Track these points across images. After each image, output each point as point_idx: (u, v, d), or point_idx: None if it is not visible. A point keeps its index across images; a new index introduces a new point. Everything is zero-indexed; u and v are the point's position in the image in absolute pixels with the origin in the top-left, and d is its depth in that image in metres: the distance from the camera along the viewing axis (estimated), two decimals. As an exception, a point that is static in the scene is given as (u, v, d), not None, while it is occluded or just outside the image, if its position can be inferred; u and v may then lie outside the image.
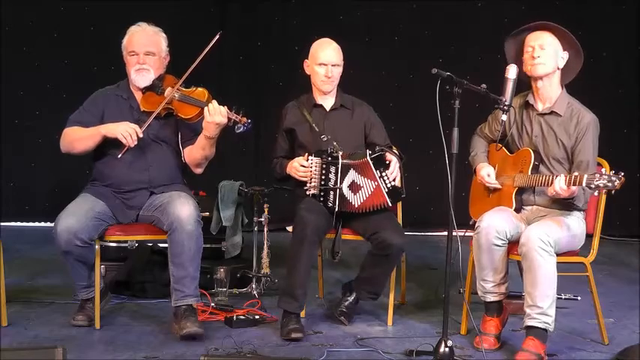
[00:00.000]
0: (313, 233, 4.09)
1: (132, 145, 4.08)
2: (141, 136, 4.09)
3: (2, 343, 3.80)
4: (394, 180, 4.19)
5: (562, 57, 3.99)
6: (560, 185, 3.71)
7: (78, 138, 4.19)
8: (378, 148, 4.21)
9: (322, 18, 7.10)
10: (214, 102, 4.09)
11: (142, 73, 4.22)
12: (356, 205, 4.21)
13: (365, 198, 4.20)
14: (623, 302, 4.87)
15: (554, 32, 3.97)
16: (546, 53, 3.94)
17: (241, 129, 4.11)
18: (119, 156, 4.10)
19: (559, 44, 3.97)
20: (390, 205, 4.20)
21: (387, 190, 4.17)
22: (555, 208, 3.98)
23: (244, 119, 4.10)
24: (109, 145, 4.20)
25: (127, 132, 4.06)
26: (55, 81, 7.17)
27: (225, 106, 4.08)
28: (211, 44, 4.15)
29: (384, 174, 4.17)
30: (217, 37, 4.14)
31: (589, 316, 4.35)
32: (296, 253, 4.10)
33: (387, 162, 4.17)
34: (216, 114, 4.05)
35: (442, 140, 3.57)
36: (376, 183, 4.17)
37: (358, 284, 4.37)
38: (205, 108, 4.07)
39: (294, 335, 4.03)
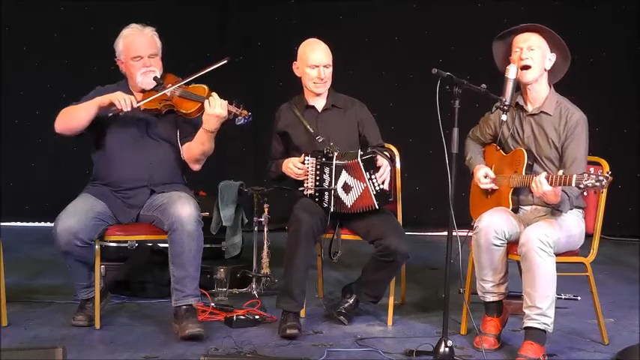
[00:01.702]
0: (308, 232, 4.09)
1: (124, 109, 4.03)
2: (135, 106, 4.07)
3: (2, 343, 3.80)
4: (383, 183, 4.18)
5: (549, 58, 3.98)
6: (540, 179, 3.68)
7: (73, 111, 4.15)
8: (370, 149, 4.21)
9: (322, 18, 7.11)
10: (215, 94, 4.10)
11: (148, 75, 4.22)
12: (348, 206, 4.21)
13: (355, 199, 4.19)
14: (623, 302, 4.86)
15: (541, 34, 3.97)
16: (534, 55, 3.94)
17: (241, 121, 4.12)
18: (109, 115, 4.08)
19: (547, 46, 3.97)
20: (376, 208, 4.19)
21: (374, 192, 4.16)
22: (542, 205, 3.98)
23: (245, 112, 4.11)
24: (110, 142, 4.21)
25: (122, 97, 4.05)
26: (55, 81, 7.16)
27: (226, 100, 4.09)
28: (216, 66, 4.15)
29: (373, 176, 4.16)
30: (224, 61, 4.15)
31: (589, 316, 4.35)
32: (292, 253, 4.10)
33: (378, 165, 4.17)
34: (217, 106, 4.06)
35: (442, 140, 3.57)
36: (365, 185, 4.16)
37: (359, 287, 4.38)
38: (206, 100, 4.08)
39: (289, 332, 4.04)
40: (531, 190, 3.79)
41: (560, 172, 3.68)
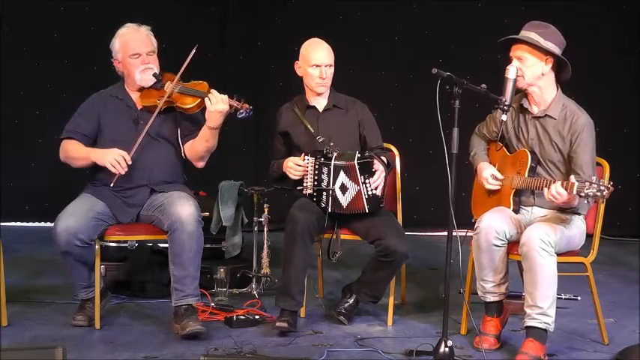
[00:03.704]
0: (304, 231, 4.09)
1: (122, 173, 4.06)
2: (129, 163, 4.06)
3: (2, 343, 3.80)
4: (375, 189, 4.18)
5: (546, 61, 3.95)
6: (557, 190, 3.69)
7: (72, 157, 4.21)
8: (368, 153, 4.20)
9: (322, 18, 7.10)
10: (215, 91, 4.11)
11: (147, 73, 4.23)
12: (344, 207, 4.21)
13: (349, 200, 4.19)
14: (623, 302, 4.86)
15: (530, 45, 3.93)
16: (525, 65, 3.92)
17: (243, 114, 4.15)
18: (111, 185, 4.09)
19: (538, 54, 3.92)
20: (367, 212, 4.19)
21: (366, 196, 4.16)
22: (555, 209, 3.98)
23: (246, 105, 4.14)
24: (109, 142, 4.20)
25: (114, 160, 4.04)
26: (55, 81, 7.17)
27: (226, 95, 4.11)
28: (190, 56, 4.16)
29: (367, 181, 4.16)
30: (194, 50, 4.15)
31: (589, 316, 4.35)
32: (289, 252, 4.11)
33: (374, 170, 4.16)
34: (219, 102, 4.08)
35: (442, 140, 3.57)
36: (358, 187, 4.16)
37: (359, 287, 4.38)
38: (207, 98, 4.09)
39: (278, 324, 4.06)
40: (549, 201, 3.76)
41: (573, 179, 3.67)
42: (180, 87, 4.20)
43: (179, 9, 7.13)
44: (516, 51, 3.95)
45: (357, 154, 4.18)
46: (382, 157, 4.26)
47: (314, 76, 4.35)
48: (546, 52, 3.94)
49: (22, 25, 7.15)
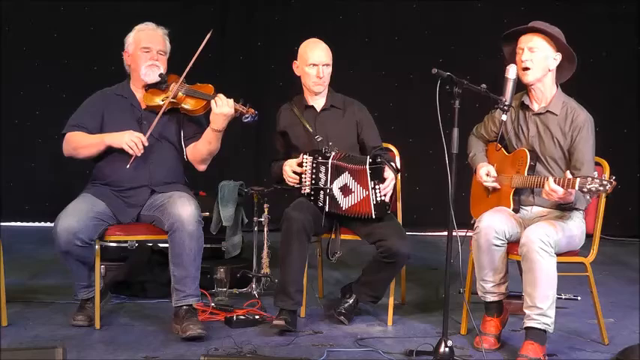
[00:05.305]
0: (300, 230, 4.09)
1: (138, 155, 4.08)
2: (146, 144, 4.09)
3: (2, 343, 3.80)
4: (384, 195, 4.17)
5: (554, 58, 3.96)
6: (551, 186, 3.70)
7: (81, 145, 4.20)
8: (379, 159, 4.18)
9: (322, 18, 7.11)
10: (221, 95, 4.12)
11: (152, 69, 4.24)
12: (343, 208, 4.20)
13: (353, 203, 4.18)
14: (623, 302, 4.87)
15: (544, 35, 3.95)
16: (535, 56, 3.92)
17: (248, 119, 4.17)
18: (127, 167, 4.10)
19: (550, 46, 3.95)
20: (373, 217, 4.17)
21: (374, 202, 4.15)
22: (555, 209, 3.98)
23: (251, 110, 4.15)
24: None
25: (132, 142, 4.06)
26: (55, 81, 7.17)
27: (232, 99, 4.12)
28: (204, 43, 4.17)
29: (377, 186, 4.14)
30: (209, 35, 4.17)
31: (589, 316, 4.35)
32: (285, 251, 4.12)
33: (384, 177, 4.15)
34: (224, 105, 4.09)
35: (442, 140, 3.57)
36: (367, 192, 4.15)
37: (359, 287, 4.38)
38: (212, 100, 4.11)
39: (275, 322, 4.06)
40: (543, 196, 3.78)
41: (569, 174, 3.68)
42: (185, 89, 4.21)
43: (178, 9, 7.13)
44: (529, 41, 3.94)
45: (369, 159, 4.17)
46: (392, 164, 4.26)
47: (311, 75, 4.35)
48: (557, 48, 3.94)
49: (22, 25, 7.15)
